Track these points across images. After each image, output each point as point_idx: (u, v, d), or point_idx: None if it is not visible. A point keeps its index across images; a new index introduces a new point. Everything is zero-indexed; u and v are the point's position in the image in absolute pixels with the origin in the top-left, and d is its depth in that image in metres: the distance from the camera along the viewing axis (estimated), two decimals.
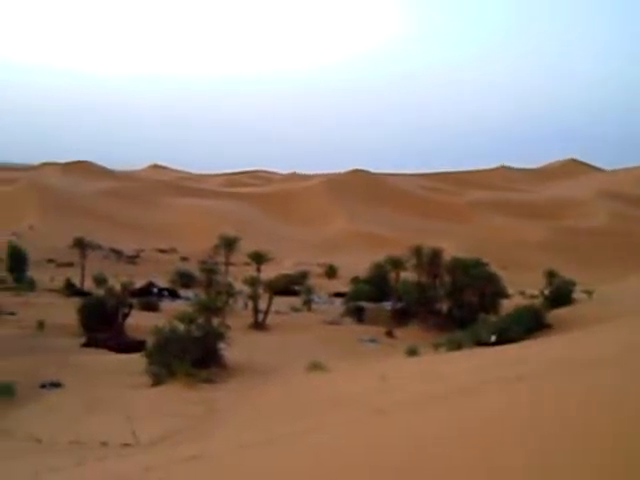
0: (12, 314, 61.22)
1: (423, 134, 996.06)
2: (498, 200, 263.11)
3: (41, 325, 54.84)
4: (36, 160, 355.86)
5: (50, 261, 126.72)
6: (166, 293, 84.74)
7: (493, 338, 44.43)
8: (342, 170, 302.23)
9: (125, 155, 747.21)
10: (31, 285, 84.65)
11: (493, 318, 57.97)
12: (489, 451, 7.93)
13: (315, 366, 36.27)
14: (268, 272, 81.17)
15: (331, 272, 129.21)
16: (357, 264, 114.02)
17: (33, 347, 47.27)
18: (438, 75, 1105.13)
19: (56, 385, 37.41)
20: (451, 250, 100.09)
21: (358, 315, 71.52)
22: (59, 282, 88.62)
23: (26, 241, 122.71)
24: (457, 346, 44.27)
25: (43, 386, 37.09)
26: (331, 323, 67.86)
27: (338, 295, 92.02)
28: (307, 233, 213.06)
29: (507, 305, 66.10)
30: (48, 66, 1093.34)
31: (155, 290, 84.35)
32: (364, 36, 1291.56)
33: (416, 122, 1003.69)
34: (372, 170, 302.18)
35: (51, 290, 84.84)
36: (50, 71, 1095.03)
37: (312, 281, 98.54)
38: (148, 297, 75.83)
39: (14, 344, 47.90)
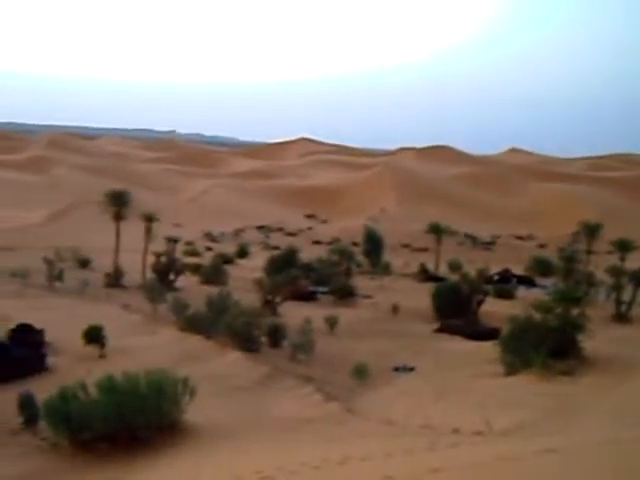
0: (368, 297, 64.64)
1: None
2: None
3: (395, 309, 57.12)
4: (394, 145, 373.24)
5: (405, 246, 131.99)
6: (514, 280, 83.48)
7: None
8: None
9: (485, 139, 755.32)
10: (386, 269, 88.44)
11: None
12: None
13: None
14: (633, 261, 76.92)
15: None
16: None
17: (387, 330, 49.47)
18: None
19: (409, 369, 38.75)
20: None
21: None
22: (413, 267, 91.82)
23: (382, 225, 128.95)
24: None
25: (396, 369, 38.64)
26: None
27: None
28: None
29: None
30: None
31: (496, 278, 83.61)
32: None
33: None
34: None
35: (405, 274, 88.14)
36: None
37: None
38: (503, 284, 75.50)
39: (369, 327, 50.55)
